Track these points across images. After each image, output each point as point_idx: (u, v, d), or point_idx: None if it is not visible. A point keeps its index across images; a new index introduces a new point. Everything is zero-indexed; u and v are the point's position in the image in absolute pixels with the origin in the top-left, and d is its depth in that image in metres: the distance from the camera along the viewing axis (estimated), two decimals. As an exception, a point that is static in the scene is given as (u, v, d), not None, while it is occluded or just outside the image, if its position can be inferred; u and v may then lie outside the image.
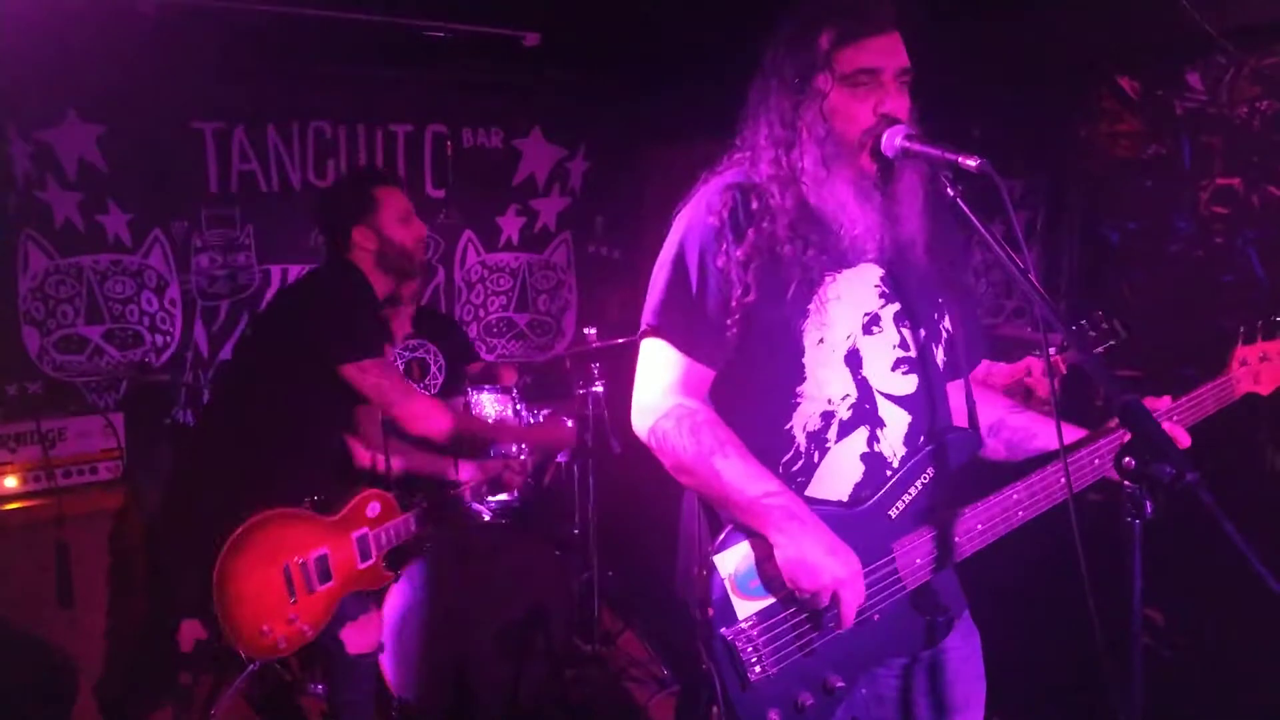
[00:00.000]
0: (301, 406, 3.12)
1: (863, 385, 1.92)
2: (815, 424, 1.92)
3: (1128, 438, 1.89)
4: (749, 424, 1.93)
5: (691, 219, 1.97)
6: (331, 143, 5.53)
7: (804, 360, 1.90)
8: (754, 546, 1.84)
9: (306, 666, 3.95)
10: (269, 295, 5.42)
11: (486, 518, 4.01)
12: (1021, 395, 2.86)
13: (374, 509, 3.22)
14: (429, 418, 3.23)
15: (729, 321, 1.90)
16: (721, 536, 1.84)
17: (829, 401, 1.91)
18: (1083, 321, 2.92)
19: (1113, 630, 1.54)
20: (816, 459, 1.92)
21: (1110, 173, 3.75)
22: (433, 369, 4.71)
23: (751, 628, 1.80)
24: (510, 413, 4.39)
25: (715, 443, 1.85)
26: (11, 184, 4.73)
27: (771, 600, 1.83)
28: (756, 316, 1.90)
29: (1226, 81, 3.40)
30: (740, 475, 1.83)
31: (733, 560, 1.82)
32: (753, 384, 1.94)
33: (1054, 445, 2.01)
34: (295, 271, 5.47)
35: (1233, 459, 3.21)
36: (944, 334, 2.04)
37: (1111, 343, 2.89)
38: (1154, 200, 3.60)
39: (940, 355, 2.02)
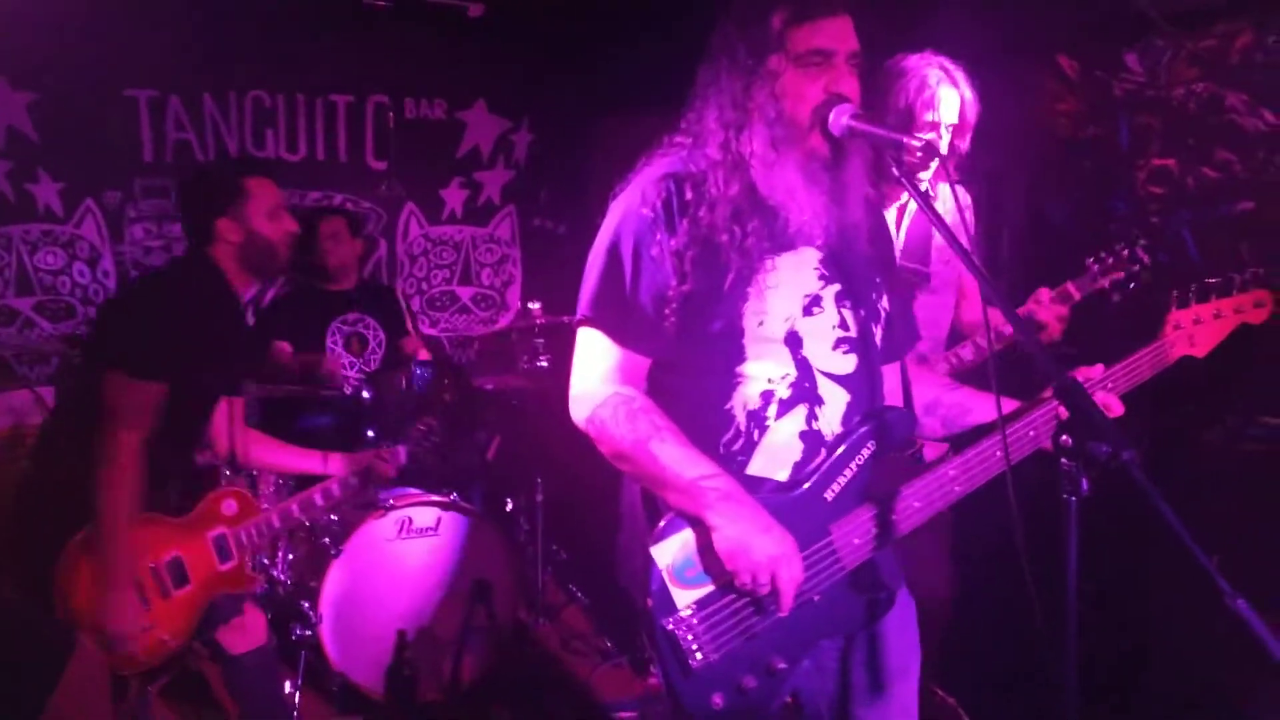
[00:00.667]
0: None
1: (803, 364, 1.94)
2: (755, 403, 1.93)
3: (1062, 408, 1.97)
4: (689, 404, 1.95)
5: (626, 209, 1.95)
6: (270, 112, 5.43)
7: (744, 341, 1.92)
8: (691, 535, 1.84)
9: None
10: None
11: (433, 496, 3.99)
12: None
13: (230, 507, 3.01)
14: (115, 460, 2.72)
15: (666, 311, 1.90)
16: (660, 526, 1.85)
17: (769, 380, 1.92)
18: (1102, 254, 2.91)
19: (1053, 608, 1.57)
20: (756, 437, 1.93)
21: (1050, 152, 3.80)
22: (371, 344, 4.66)
23: (691, 616, 1.81)
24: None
25: (652, 428, 1.86)
26: (-63, 151, 4.60)
27: (710, 588, 1.84)
28: (695, 303, 1.90)
29: (1164, 63, 3.46)
30: (677, 459, 1.83)
31: (670, 550, 1.83)
32: (693, 365, 1.95)
33: (989, 419, 2.08)
34: (233, 243, 5.39)
35: (1170, 434, 3.29)
36: (882, 314, 2.06)
37: (1135, 269, 2.87)
38: (1092, 180, 3.66)
39: (879, 335, 2.05)
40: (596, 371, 1.94)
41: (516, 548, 4.25)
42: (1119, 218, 3.58)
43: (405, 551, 3.83)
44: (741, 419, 1.93)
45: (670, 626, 1.80)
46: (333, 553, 3.69)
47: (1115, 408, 2.12)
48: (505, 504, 4.84)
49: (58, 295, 4.97)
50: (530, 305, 4.66)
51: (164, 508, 2.91)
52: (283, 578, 3.85)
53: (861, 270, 2.02)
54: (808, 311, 1.94)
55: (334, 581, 3.68)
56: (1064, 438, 1.56)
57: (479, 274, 6.21)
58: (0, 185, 4.78)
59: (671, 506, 1.85)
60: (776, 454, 1.94)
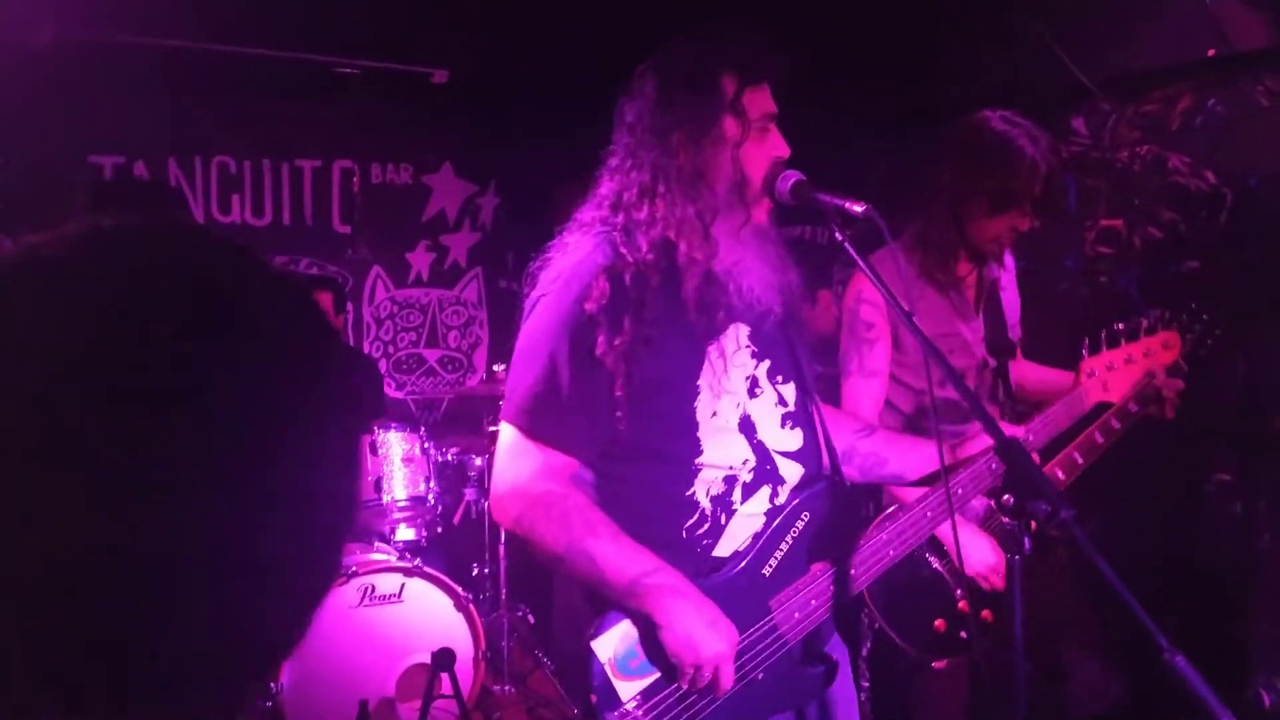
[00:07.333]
0: None
1: (759, 449, 1.92)
2: (719, 488, 1.89)
3: (990, 467, 2.05)
4: (647, 492, 1.88)
5: (560, 307, 1.82)
6: (235, 178, 5.46)
7: (698, 434, 1.86)
8: (632, 626, 1.80)
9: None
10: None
11: (394, 558, 3.95)
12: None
13: None
14: None
15: (615, 413, 1.81)
16: (598, 620, 1.81)
17: (730, 468, 1.89)
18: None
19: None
20: (723, 521, 1.89)
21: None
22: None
23: (636, 708, 1.78)
24: (418, 451, 4.35)
25: (585, 527, 1.77)
26: (-103, 219, 4.57)
27: (654, 677, 1.80)
28: (644, 399, 1.82)
29: (1109, 127, 3.56)
30: (614, 558, 1.76)
31: (611, 643, 1.80)
32: (649, 457, 1.87)
33: (904, 472, 2.13)
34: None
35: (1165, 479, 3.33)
36: (806, 374, 2.04)
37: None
38: (1042, 241, 3.74)
39: (807, 398, 2.04)
40: (524, 470, 1.82)
41: (482, 614, 4.21)
42: (1069, 276, 3.65)
43: (368, 619, 3.78)
44: (706, 504, 1.88)
45: None
46: (293, 620, 3.64)
47: None
48: (471, 569, 4.80)
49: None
50: (496, 368, 4.67)
51: None
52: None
53: (780, 334, 1.99)
54: (751, 394, 1.92)
55: (295, 650, 3.62)
56: (1005, 497, 1.59)
57: (445, 336, 6.22)
58: (-38, 253, 4.76)
59: (614, 603, 1.81)
60: (742, 532, 1.91)
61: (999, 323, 2.79)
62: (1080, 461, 2.45)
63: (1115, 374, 2.38)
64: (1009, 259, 2.87)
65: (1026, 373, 2.91)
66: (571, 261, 1.86)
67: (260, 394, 0.61)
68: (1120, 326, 2.41)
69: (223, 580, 0.59)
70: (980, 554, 2.48)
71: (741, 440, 1.90)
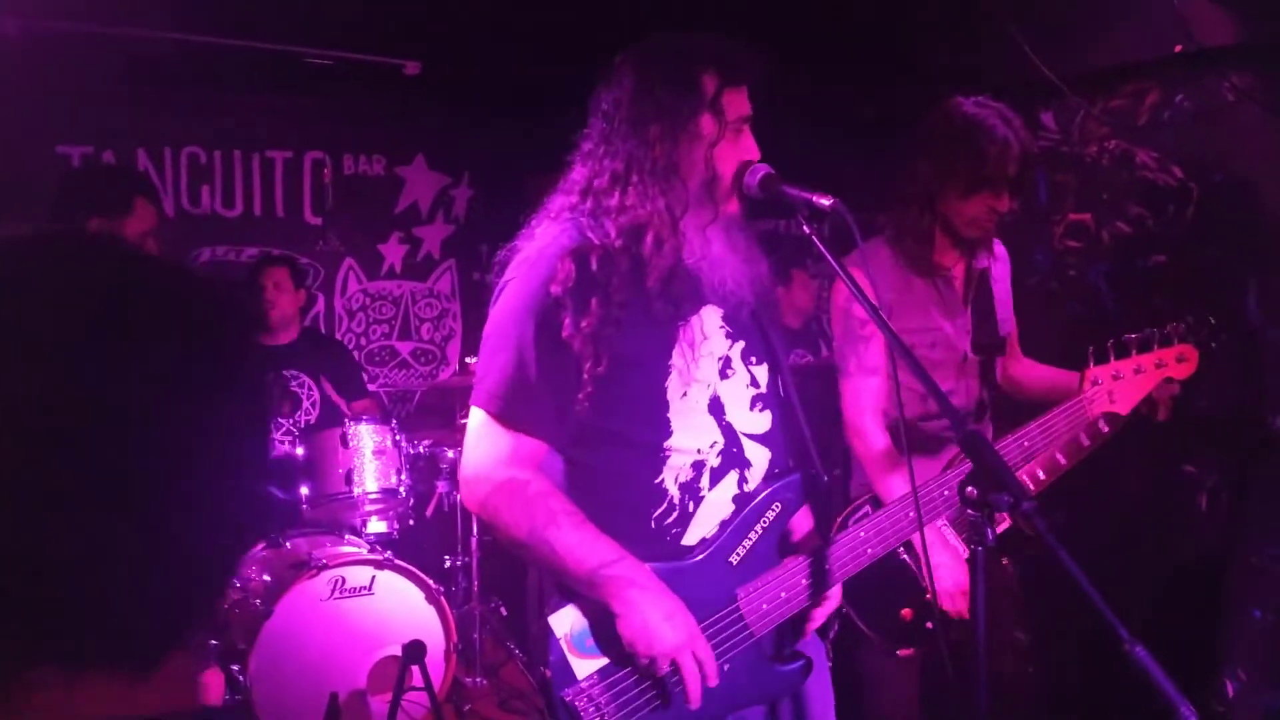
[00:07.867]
0: None
1: (728, 430, 1.92)
2: (687, 475, 1.89)
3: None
4: (616, 480, 1.89)
5: (528, 289, 1.84)
6: (206, 169, 5.41)
7: (669, 415, 1.87)
8: (590, 605, 1.80)
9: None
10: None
11: (365, 551, 3.94)
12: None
13: None
14: None
15: (579, 396, 1.83)
16: (557, 597, 1.81)
17: (698, 451, 1.89)
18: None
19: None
20: (691, 509, 1.90)
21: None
22: (305, 404, 4.59)
23: (592, 686, 1.77)
24: (389, 444, 4.33)
25: (548, 515, 1.78)
26: None
27: (610, 659, 1.80)
28: (614, 381, 1.83)
29: (1078, 122, 3.59)
30: (575, 547, 1.77)
31: (568, 620, 1.80)
32: (618, 442, 1.88)
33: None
34: (168, 300, 5.32)
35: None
36: (780, 358, 2.06)
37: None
38: (1012, 235, 3.76)
39: (782, 383, 2.05)
40: (491, 455, 1.84)
41: (454, 606, 4.20)
42: (1039, 271, 3.68)
43: (339, 612, 3.77)
44: (675, 492, 1.89)
45: (570, 698, 1.75)
46: (264, 613, 3.63)
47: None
48: (443, 562, 4.79)
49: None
50: (469, 360, 4.64)
51: None
52: (213, 640, 3.78)
53: (755, 322, 2.02)
54: (723, 375, 1.93)
55: (265, 643, 3.61)
56: (969, 489, 1.60)
57: (418, 329, 6.19)
58: (-74, 243, 4.70)
59: (574, 592, 1.81)
60: (710, 520, 1.91)
61: (988, 317, 2.74)
62: (1063, 462, 2.39)
63: (1123, 384, 2.30)
64: (1001, 249, 2.81)
65: (1026, 370, 2.86)
66: (537, 246, 1.89)
67: (165, 387, 0.66)
68: (1132, 336, 2.32)
69: (150, 567, 0.67)
70: (952, 575, 2.47)
71: (710, 421, 1.90)
